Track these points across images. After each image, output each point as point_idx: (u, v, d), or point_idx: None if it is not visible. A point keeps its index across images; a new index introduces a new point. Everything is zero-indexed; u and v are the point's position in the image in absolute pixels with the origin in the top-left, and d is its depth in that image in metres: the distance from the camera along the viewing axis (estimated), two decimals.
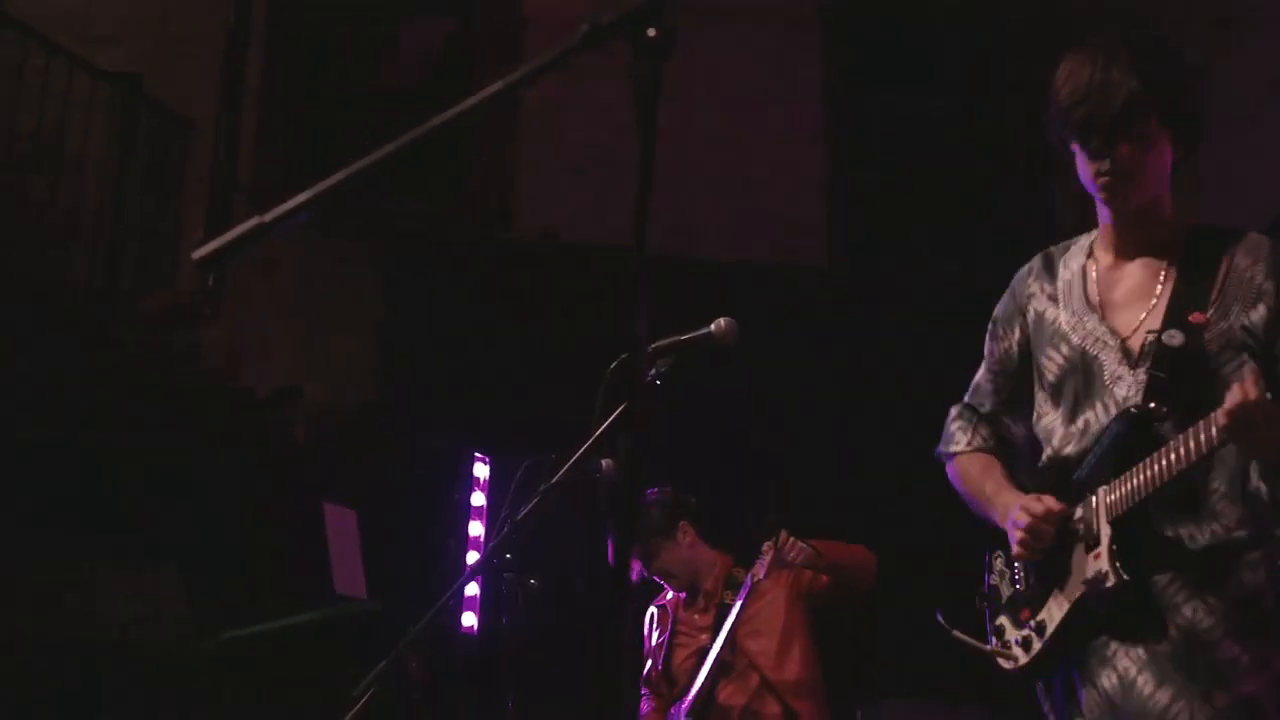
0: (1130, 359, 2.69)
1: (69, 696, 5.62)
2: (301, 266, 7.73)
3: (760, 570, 4.90)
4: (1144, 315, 2.72)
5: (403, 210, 7.91)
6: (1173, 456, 2.49)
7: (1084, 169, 2.76)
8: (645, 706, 5.22)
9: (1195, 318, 2.62)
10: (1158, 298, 2.72)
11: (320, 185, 1.47)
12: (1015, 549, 2.75)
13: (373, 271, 7.90)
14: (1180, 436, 2.49)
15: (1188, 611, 2.56)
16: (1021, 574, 2.83)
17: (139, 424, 6.38)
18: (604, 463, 3.92)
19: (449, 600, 3.73)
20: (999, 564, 2.91)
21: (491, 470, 6.85)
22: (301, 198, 1.46)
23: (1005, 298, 3.01)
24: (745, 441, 7.96)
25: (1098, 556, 2.60)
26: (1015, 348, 2.96)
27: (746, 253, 8.37)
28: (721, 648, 4.94)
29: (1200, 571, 2.58)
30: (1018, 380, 2.95)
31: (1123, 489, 2.59)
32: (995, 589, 2.90)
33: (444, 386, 7.56)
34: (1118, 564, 2.56)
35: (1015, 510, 2.74)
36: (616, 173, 8.41)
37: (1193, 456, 2.46)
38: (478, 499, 6.80)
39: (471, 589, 6.31)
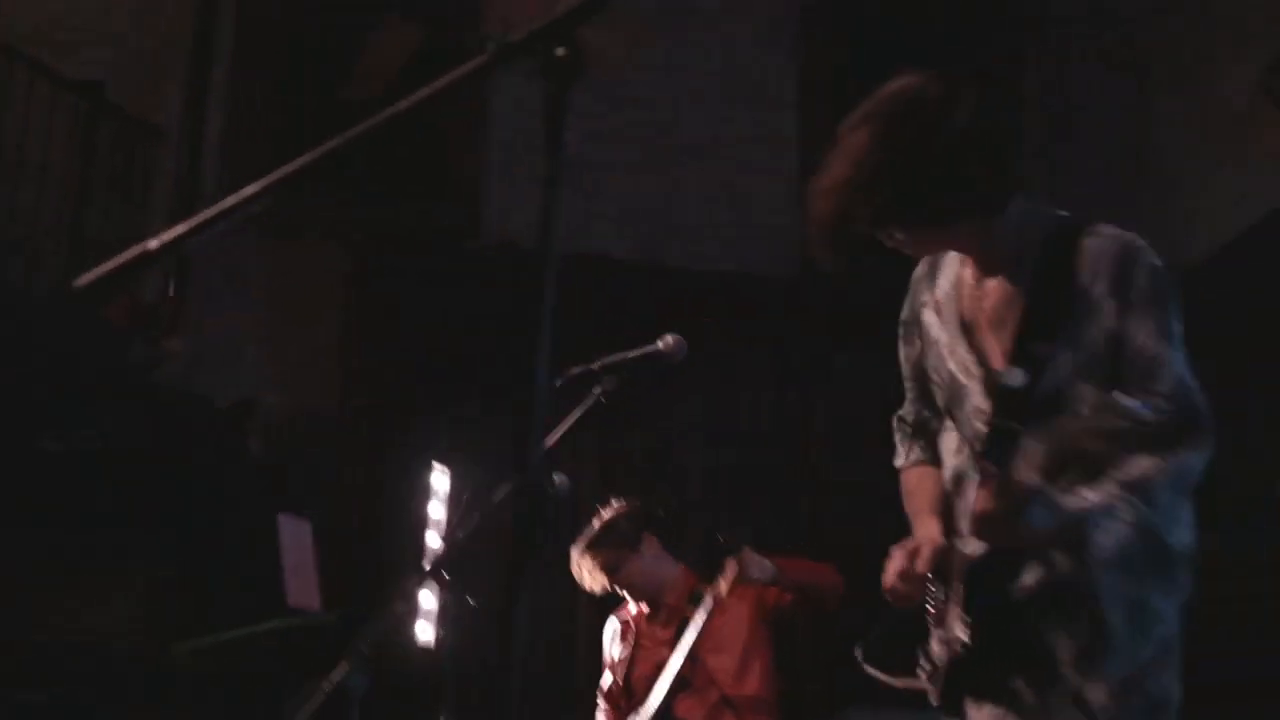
0: (989, 389, 2.63)
1: (17, 706, 5.58)
2: (265, 275, 7.69)
3: (723, 586, 4.89)
4: (1005, 342, 2.63)
5: (367, 219, 7.89)
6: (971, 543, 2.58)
7: None
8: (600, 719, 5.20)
9: (1041, 350, 2.53)
10: (1017, 321, 2.61)
11: (207, 212, 1.45)
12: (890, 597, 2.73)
13: (337, 280, 7.87)
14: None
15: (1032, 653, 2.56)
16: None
17: (95, 434, 6.35)
18: (557, 478, 3.92)
19: (398, 616, 3.71)
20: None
21: (452, 481, 6.82)
22: (186, 225, 1.44)
23: (907, 299, 2.92)
24: (712, 453, 7.96)
25: (956, 616, 2.61)
26: (916, 354, 2.89)
27: (719, 261, 8.36)
28: (682, 662, 4.92)
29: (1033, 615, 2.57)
30: (927, 382, 2.87)
31: (962, 552, 2.62)
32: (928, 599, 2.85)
33: (406, 395, 7.53)
34: (967, 624, 2.57)
35: (890, 561, 2.70)
36: (581, 182, 8.41)
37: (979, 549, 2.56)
38: (436, 510, 6.77)
39: (429, 603, 6.27)
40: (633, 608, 5.29)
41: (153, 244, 1.42)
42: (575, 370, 3.39)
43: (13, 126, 7.20)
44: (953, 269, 2.78)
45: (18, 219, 7.16)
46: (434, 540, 6.65)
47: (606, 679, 5.26)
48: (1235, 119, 7.98)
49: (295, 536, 5.72)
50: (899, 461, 2.99)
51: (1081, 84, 9.15)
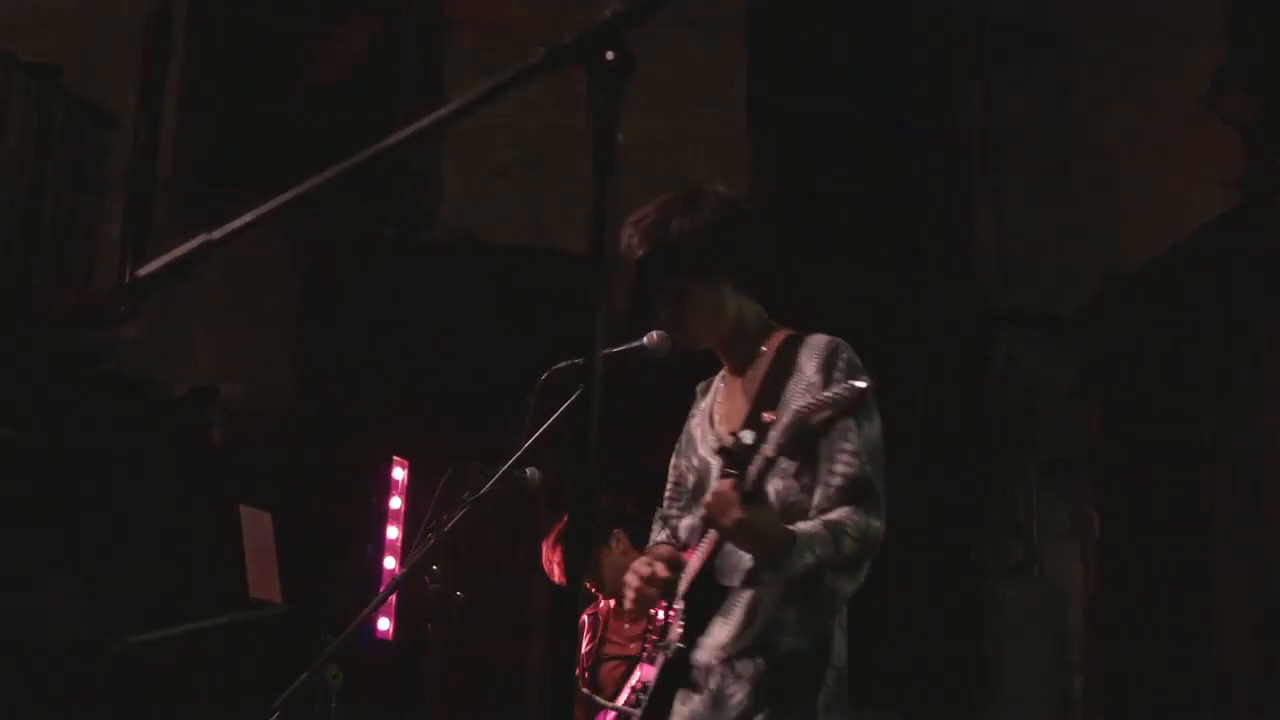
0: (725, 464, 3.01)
1: None
2: (221, 265, 7.62)
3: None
4: (740, 420, 3.04)
5: (325, 209, 7.84)
6: (702, 545, 2.95)
7: None
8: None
9: (766, 416, 2.88)
10: (749, 406, 3.06)
11: (270, 204, 1.45)
12: (627, 605, 3.07)
13: (294, 271, 7.82)
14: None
15: (715, 678, 2.92)
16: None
17: (50, 422, 6.27)
18: (529, 472, 3.92)
19: (370, 611, 3.71)
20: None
21: (410, 474, 6.82)
22: (249, 216, 1.44)
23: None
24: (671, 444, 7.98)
25: (675, 626, 2.98)
26: (682, 462, 3.29)
27: None
28: None
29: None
30: (686, 488, 3.27)
31: (689, 569, 3.00)
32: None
33: (364, 388, 7.51)
34: (681, 631, 2.95)
35: (628, 572, 3.05)
36: (541, 176, 8.41)
37: (710, 545, 2.93)
38: (395, 503, 6.76)
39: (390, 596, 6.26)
40: (601, 603, 5.30)
41: (215, 234, 1.42)
42: (560, 366, 3.41)
43: None
44: (715, 382, 3.28)
45: None
46: (393, 532, 6.65)
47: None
48: (1177, 131, 8.13)
49: (256, 528, 5.68)
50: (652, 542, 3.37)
51: (1021, 96, 9.27)
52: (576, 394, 3.36)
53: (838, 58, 9.55)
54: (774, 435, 2.82)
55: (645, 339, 3.43)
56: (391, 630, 6.43)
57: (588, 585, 5.24)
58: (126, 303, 6.79)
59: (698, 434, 3.22)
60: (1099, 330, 8.47)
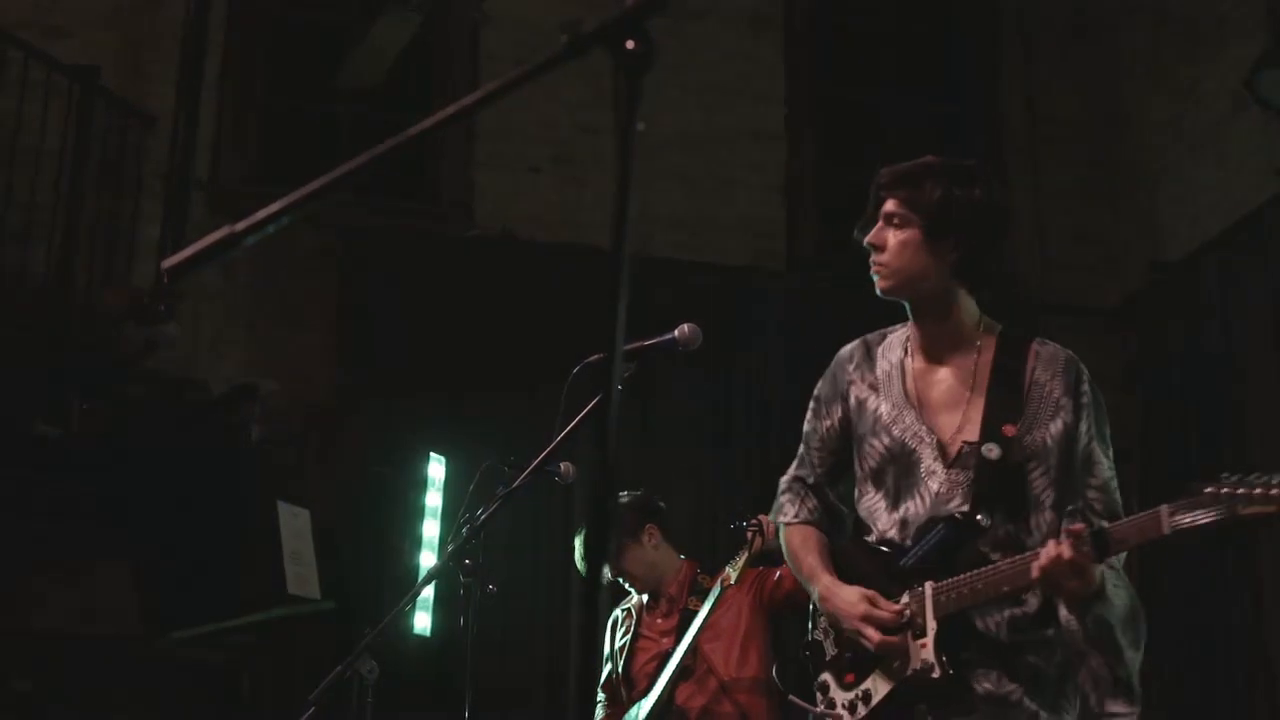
0: (945, 458, 2.99)
1: (10, 693, 5.56)
2: (260, 261, 7.67)
3: (731, 571, 4.89)
4: (959, 421, 3.01)
5: (362, 205, 7.87)
6: (996, 583, 2.84)
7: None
8: (600, 713, 5.21)
9: (1007, 430, 2.92)
10: (969, 404, 3.02)
11: (294, 195, 1.45)
12: (849, 634, 3.02)
13: (331, 267, 7.85)
14: (1005, 565, 2.84)
15: (988, 683, 2.90)
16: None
17: (92, 419, 6.32)
18: (563, 466, 3.93)
19: (405, 604, 3.72)
20: (823, 621, 3.17)
21: (448, 470, 6.82)
22: (274, 207, 1.44)
23: (827, 379, 3.27)
24: (709, 445, 7.97)
25: (924, 647, 2.90)
26: (837, 426, 3.21)
27: (708, 253, 8.39)
28: (683, 653, 4.94)
29: (1001, 653, 2.92)
30: (840, 456, 3.22)
31: (951, 594, 2.90)
32: (819, 645, 3.18)
33: (401, 385, 7.52)
34: (943, 658, 2.87)
35: (859, 621, 2.97)
36: (575, 172, 8.41)
37: (1011, 590, 2.84)
38: (433, 499, 6.77)
39: (426, 590, 6.28)
40: (634, 598, 5.30)
41: (239, 226, 1.42)
42: (590, 360, 3.40)
43: (7, 110, 7.15)
44: (895, 354, 3.16)
45: (13, 204, 7.11)
46: (430, 529, 6.66)
47: (605, 670, 5.26)
48: (1216, 120, 8.05)
49: (294, 524, 5.71)
50: (785, 517, 3.29)
51: (1061, 87, 9.21)
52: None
53: (878, 49, 9.53)
54: (1034, 468, 2.91)
55: (676, 332, 3.42)
56: (430, 628, 6.45)
57: (620, 580, 5.24)
58: (163, 299, 6.83)
59: (884, 409, 3.10)
60: (1141, 321, 8.40)
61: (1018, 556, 2.83)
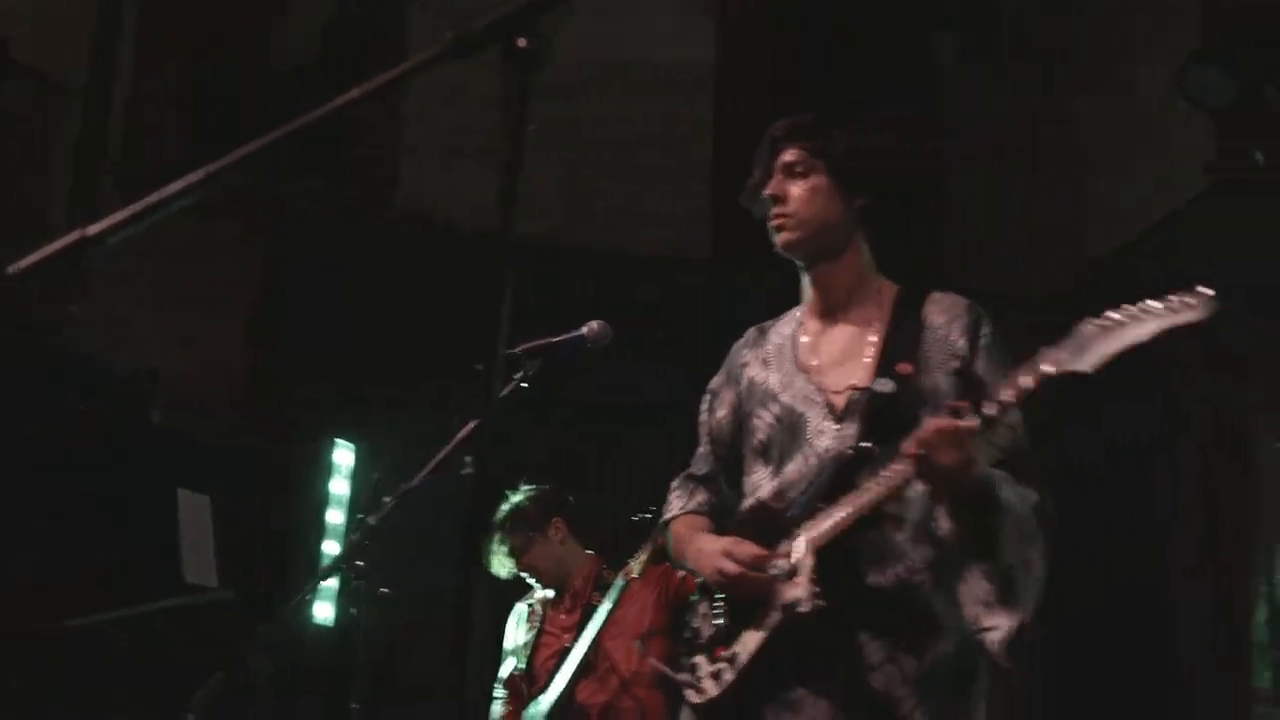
0: (835, 414, 2.88)
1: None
2: (171, 244, 7.52)
3: (635, 565, 4.88)
4: (854, 370, 2.91)
5: (277, 191, 7.75)
6: (873, 497, 2.68)
7: None
8: (499, 710, 5.16)
9: (902, 368, 2.80)
10: (865, 353, 2.92)
11: (149, 199, 1.40)
12: (715, 584, 2.88)
13: (244, 252, 7.73)
14: (883, 475, 2.68)
15: (880, 678, 2.71)
16: (723, 612, 2.90)
17: None
18: (470, 460, 3.87)
19: (297, 602, 3.66)
20: (702, 607, 2.97)
21: (357, 458, 6.75)
22: (129, 211, 1.38)
23: (721, 371, 3.20)
24: (622, 439, 7.94)
25: (797, 584, 2.71)
26: (730, 414, 3.11)
27: (632, 243, 8.33)
28: (585, 649, 4.91)
29: (892, 625, 2.74)
30: (732, 448, 3.11)
31: (825, 523, 2.74)
32: (697, 631, 2.97)
33: (314, 371, 7.41)
34: (816, 589, 2.69)
35: (719, 558, 2.84)
36: (497, 160, 8.33)
37: (885, 488, 2.67)
38: (339, 486, 6.69)
39: (332, 580, 6.21)
40: (540, 593, 5.27)
41: (91, 229, 1.36)
42: (509, 352, 3.35)
43: None
44: (788, 328, 3.10)
45: None
46: (335, 517, 6.58)
47: (507, 666, 5.22)
48: (1148, 115, 8.06)
49: (194, 512, 5.59)
50: (671, 512, 3.19)
51: (993, 81, 9.24)
52: (510, 385, 3.33)
53: (810, 40, 9.47)
54: (929, 412, 2.66)
55: (584, 328, 3.39)
56: (333, 619, 6.38)
57: (524, 575, 5.21)
58: (65, 280, 6.68)
59: (773, 379, 3.02)
60: (1067, 314, 8.40)
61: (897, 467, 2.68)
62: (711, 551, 2.89)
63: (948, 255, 8.70)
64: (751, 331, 3.20)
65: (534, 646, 5.17)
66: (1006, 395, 2.57)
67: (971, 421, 2.55)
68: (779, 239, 3.01)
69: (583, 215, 8.18)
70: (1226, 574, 6.73)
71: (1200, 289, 2.44)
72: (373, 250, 7.84)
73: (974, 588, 2.70)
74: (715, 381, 3.21)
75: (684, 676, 2.90)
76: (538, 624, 5.21)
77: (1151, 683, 7.03)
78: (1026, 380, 2.55)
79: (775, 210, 3.00)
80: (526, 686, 5.13)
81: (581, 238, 7.95)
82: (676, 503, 3.20)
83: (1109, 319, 2.52)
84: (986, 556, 2.69)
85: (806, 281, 3.09)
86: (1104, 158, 8.54)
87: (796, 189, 2.98)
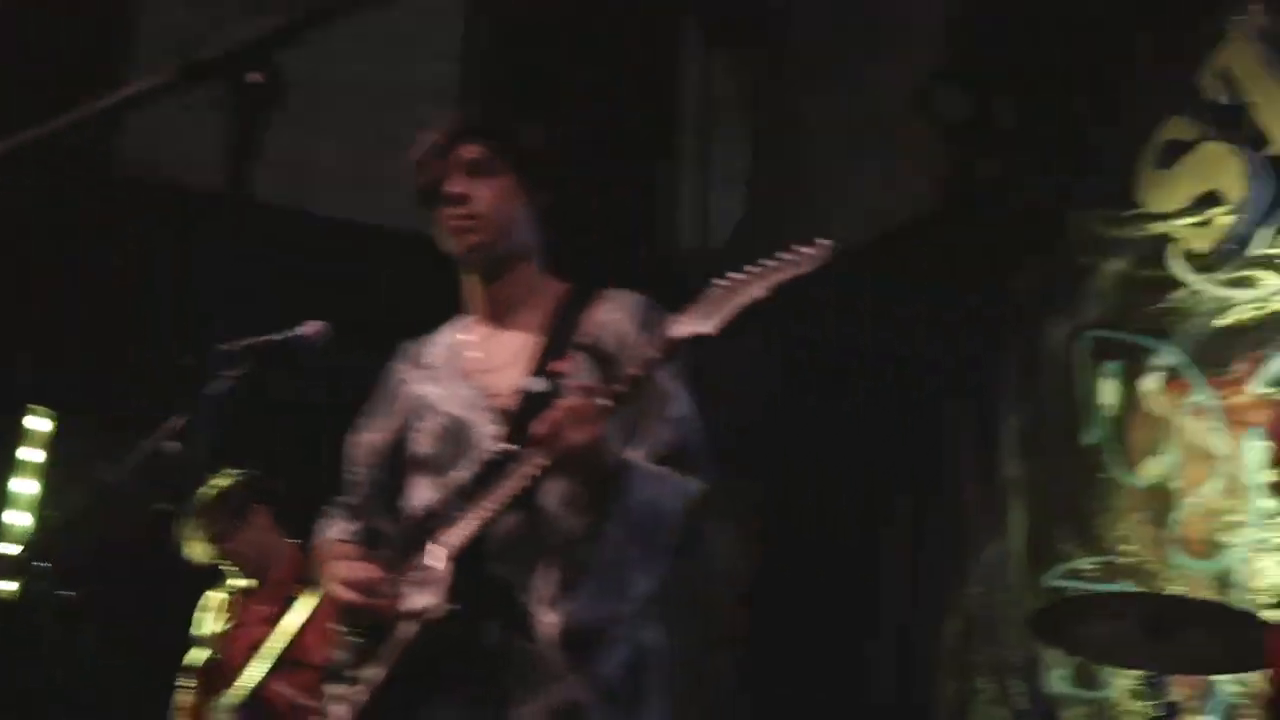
0: (503, 419, 2.74)
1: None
2: None
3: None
4: (521, 373, 2.79)
5: None
6: (504, 491, 2.58)
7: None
8: (186, 699, 5.01)
9: (559, 366, 2.71)
10: (532, 355, 2.80)
11: None
12: (341, 607, 2.75)
13: None
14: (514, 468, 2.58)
15: (515, 671, 2.60)
16: (360, 631, 2.77)
17: None
18: (170, 445, 3.73)
19: None
20: (341, 631, 2.83)
21: (56, 431, 6.42)
22: None
23: (375, 392, 3.05)
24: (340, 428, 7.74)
25: (429, 592, 2.60)
26: (390, 436, 2.96)
27: (376, 213, 8.06)
28: (282, 642, 4.80)
29: (520, 617, 2.63)
30: (388, 472, 2.95)
31: (463, 527, 2.62)
32: (337, 658, 2.81)
33: (17, 336, 6.96)
34: (447, 594, 2.58)
35: (334, 584, 2.73)
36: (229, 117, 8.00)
37: (520, 481, 2.57)
38: (30, 454, 6.36)
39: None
40: (238, 582, 5.13)
41: None
42: (220, 349, 3.17)
43: None
44: (445, 338, 2.98)
45: None
46: (28, 488, 6.27)
47: (197, 655, 5.06)
48: (888, 124, 8.14)
49: None
50: (320, 538, 3.02)
51: (737, 71, 9.27)
52: (221, 384, 3.18)
53: (558, 19, 9.38)
54: (570, 386, 2.60)
55: (302, 329, 3.28)
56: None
57: (222, 562, 5.07)
58: None
59: (434, 390, 2.88)
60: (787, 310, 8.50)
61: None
62: (331, 570, 2.78)
63: (684, 254, 8.75)
64: (404, 348, 3.07)
65: (229, 637, 5.03)
66: (634, 368, 2.54)
67: (599, 399, 2.50)
68: (463, 242, 2.85)
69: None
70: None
71: (820, 240, 2.50)
72: (92, 211, 7.40)
73: (547, 574, 2.64)
74: (368, 405, 3.07)
75: (313, 704, 2.79)
76: (234, 614, 5.07)
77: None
78: (652, 350, 2.54)
79: (457, 211, 2.83)
80: (218, 677, 4.99)
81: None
82: (333, 529, 3.02)
83: (732, 278, 2.50)
84: (583, 547, 2.62)
85: (474, 286, 2.95)
86: (840, 164, 8.59)
87: (484, 188, 2.84)
